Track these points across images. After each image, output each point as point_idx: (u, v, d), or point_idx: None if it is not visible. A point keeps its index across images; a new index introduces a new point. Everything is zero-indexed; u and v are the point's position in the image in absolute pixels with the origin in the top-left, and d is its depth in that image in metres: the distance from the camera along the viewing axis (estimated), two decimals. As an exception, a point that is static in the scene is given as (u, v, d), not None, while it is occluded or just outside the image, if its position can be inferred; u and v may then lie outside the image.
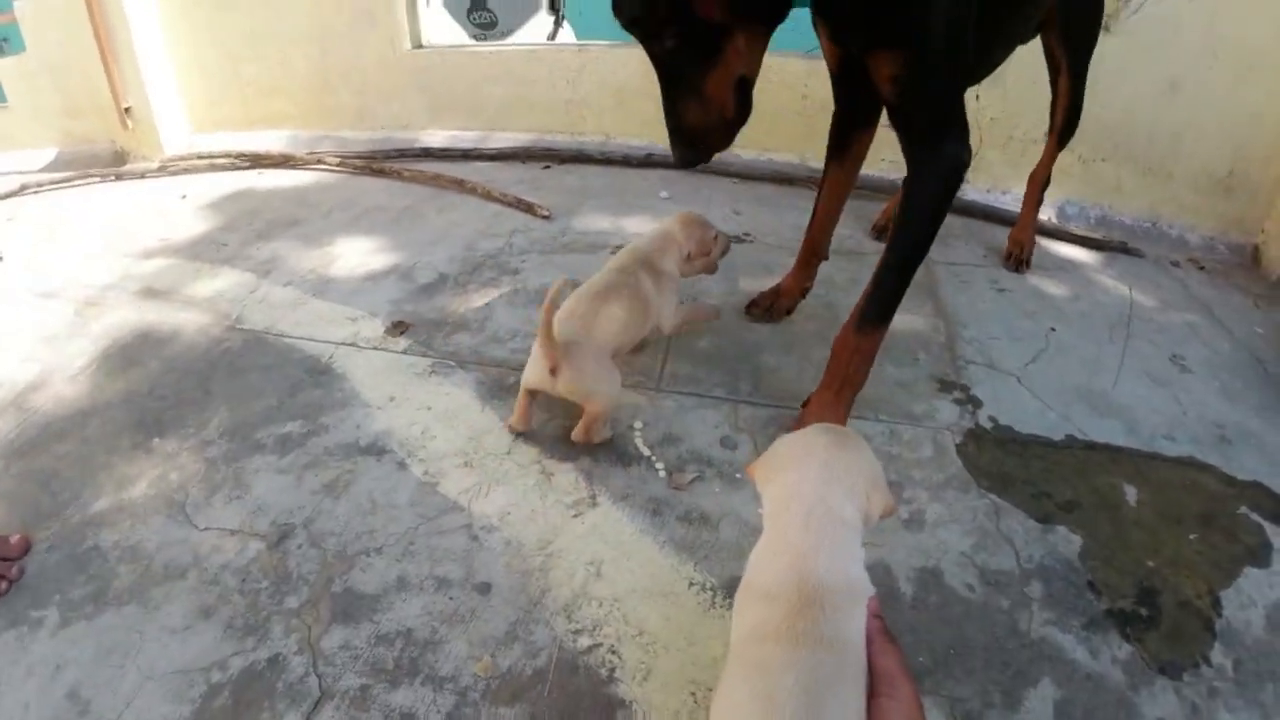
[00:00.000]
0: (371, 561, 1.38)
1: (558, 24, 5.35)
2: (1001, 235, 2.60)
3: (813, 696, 0.78)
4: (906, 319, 2.04)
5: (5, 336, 2.23)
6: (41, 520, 1.56)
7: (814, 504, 0.92)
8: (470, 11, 5.28)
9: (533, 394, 1.63)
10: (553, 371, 1.53)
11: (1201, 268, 2.65)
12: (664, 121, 1.50)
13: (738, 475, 1.53)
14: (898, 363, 1.89)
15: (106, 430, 1.78)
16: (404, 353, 1.92)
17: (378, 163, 3.24)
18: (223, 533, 1.46)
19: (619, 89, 3.17)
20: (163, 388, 1.90)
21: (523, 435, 1.66)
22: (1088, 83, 2.44)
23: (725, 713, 0.84)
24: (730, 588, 1.05)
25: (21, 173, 3.46)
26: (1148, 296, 2.36)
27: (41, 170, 3.74)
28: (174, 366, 1.97)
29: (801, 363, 1.87)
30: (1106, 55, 2.66)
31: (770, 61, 2.83)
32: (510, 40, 5.19)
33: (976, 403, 1.76)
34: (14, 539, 1.49)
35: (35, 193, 3.44)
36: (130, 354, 2.05)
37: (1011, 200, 2.79)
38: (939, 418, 1.71)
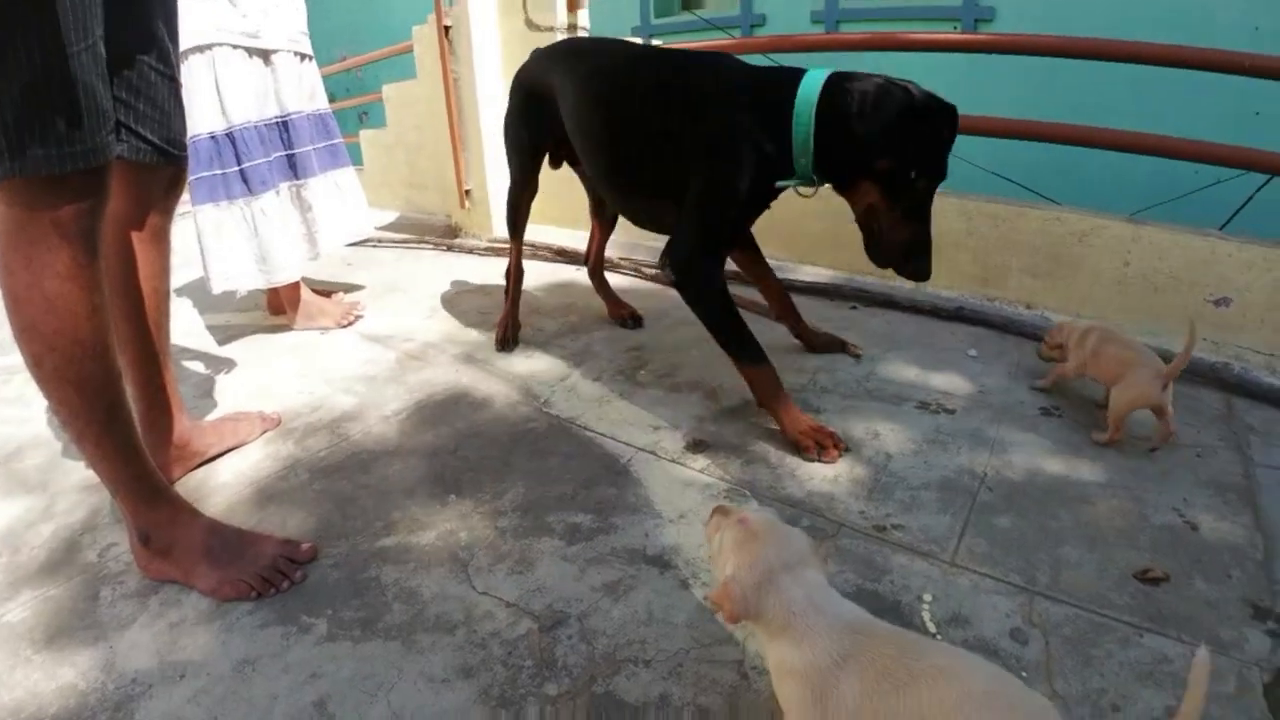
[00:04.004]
0: (637, 672, 1.39)
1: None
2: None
3: None
4: (1220, 526, 1.81)
5: (333, 367, 2.56)
6: (331, 538, 1.75)
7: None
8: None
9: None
10: (1165, 386, 2.01)
11: None
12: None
13: (1023, 674, 1.40)
14: (1207, 577, 1.66)
15: (408, 474, 1.97)
16: (701, 471, 1.97)
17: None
18: (499, 602, 1.55)
19: (936, 236, 3.15)
20: (466, 449, 2.08)
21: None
22: None
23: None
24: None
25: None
26: None
27: (383, 229, 4.34)
28: (480, 432, 2.16)
29: (1104, 562, 1.69)
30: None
31: (1093, 222, 2.74)
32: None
33: (1292, 636, 1.51)
34: (304, 546, 1.69)
35: (376, 246, 3.99)
36: (441, 410, 2.28)
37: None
38: (1247, 649, 1.48)
